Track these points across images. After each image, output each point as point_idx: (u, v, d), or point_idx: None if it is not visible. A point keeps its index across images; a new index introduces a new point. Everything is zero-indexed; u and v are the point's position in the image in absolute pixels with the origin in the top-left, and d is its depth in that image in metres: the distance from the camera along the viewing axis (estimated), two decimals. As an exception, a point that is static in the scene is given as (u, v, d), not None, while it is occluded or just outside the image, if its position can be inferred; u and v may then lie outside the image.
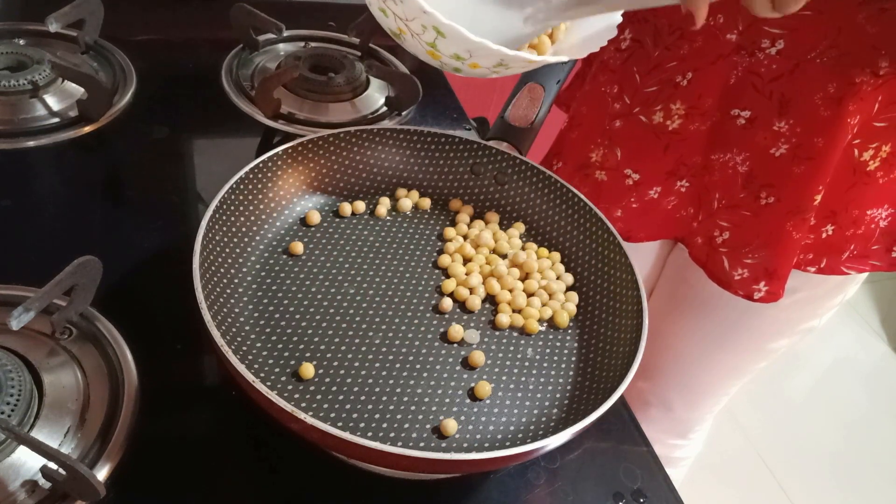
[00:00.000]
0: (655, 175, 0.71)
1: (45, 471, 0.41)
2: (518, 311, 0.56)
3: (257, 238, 0.57)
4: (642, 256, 0.83)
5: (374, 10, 0.51)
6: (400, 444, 0.46)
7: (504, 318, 0.55)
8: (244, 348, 0.49)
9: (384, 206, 0.63)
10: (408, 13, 0.47)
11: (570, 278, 0.60)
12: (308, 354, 0.50)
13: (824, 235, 0.68)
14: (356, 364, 0.50)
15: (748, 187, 0.67)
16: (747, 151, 0.66)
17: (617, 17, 0.53)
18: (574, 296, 0.59)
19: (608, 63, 0.73)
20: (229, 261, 0.54)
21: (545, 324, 0.57)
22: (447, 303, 0.56)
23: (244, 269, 0.55)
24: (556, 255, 0.62)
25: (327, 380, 0.49)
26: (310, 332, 0.52)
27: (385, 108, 0.81)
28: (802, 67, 0.60)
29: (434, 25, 0.46)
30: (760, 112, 0.63)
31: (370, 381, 0.49)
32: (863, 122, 0.61)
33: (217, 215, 0.52)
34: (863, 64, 0.58)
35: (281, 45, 0.87)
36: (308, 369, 0.48)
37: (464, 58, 0.49)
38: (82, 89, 0.70)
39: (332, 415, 0.47)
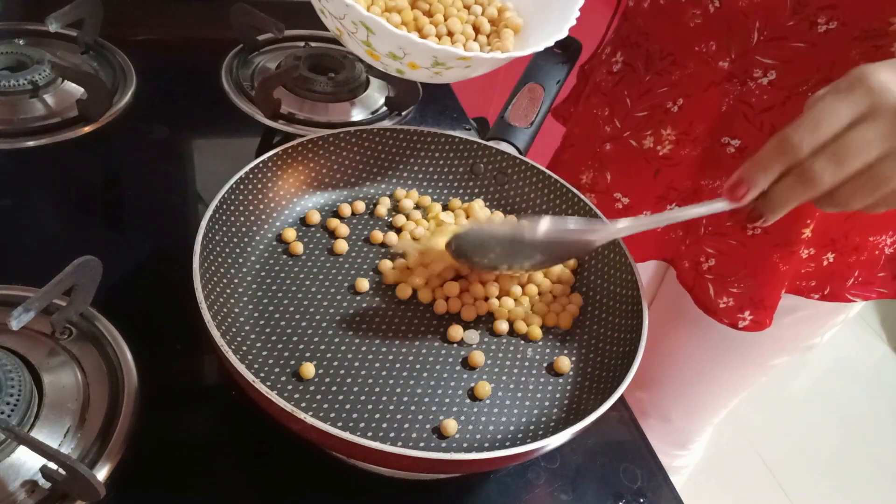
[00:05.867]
0: (645, 199, 0.71)
1: (45, 471, 0.41)
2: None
3: (257, 238, 0.57)
4: (642, 269, 0.83)
5: (318, 12, 0.51)
6: (400, 444, 0.46)
7: (503, 325, 0.55)
8: (244, 348, 0.49)
9: (384, 206, 0.63)
10: (337, 11, 0.47)
11: (569, 276, 0.60)
12: (308, 354, 0.50)
13: (825, 263, 0.67)
14: (356, 364, 0.50)
15: (735, 217, 0.66)
16: None
17: (571, 21, 0.53)
18: (578, 297, 0.58)
19: (600, 85, 0.72)
20: (229, 261, 0.54)
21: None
22: (441, 305, 0.55)
23: (244, 269, 0.55)
24: None
25: (327, 380, 0.49)
26: (310, 332, 0.52)
27: (385, 108, 0.81)
28: (794, 100, 0.59)
29: (361, 21, 0.46)
30: (750, 142, 0.63)
31: (370, 381, 0.49)
32: None
33: (217, 215, 0.52)
34: None
35: (281, 45, 0.87)
36: (308, 369, 0.48)
37: (399, 56, 0.49)
38: (82, 89, 0.70)
39: (332, 415, 0.47)
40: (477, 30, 0.57)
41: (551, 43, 0.52)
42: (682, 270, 0.73)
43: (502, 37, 0.56)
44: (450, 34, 0.56)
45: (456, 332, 0.53)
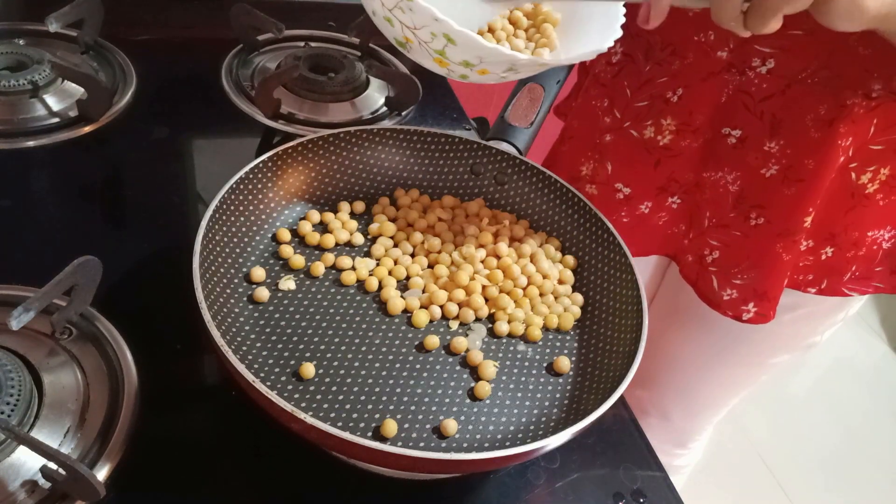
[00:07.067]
0: (646, 190, 0.71)
1: (45, 471, 0.41)
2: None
3: (257, 238, 0.57)
4: (642, 267, 0.83)
5: (378, 19, 0.50)
6: (400, 444, 0.46)
7: (503, 327, 0.55)
8: (244, 348, 0.49)
9: (384, 206, 0.63)
10: (417, 21, 0.47)
11: (569, 276, 0.60)
12: (308, 354, 0.50)
13: (823, 257, 0.67)
14: (356, 364, 0.50)
15: (738, 207, 0.66)
16: (738, 171, 0.65)
17: (620, 17, 0.53)
18: (579, 298, 0.58)
19: (599, 77, 0.72)
20: (229, 261, 0.54)
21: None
22: (437, 312, 0.55)
23: (244, 269, 0.55)
24: (556, 242, 0.62)
25: (327, 380, 0.49)
26: (310, 332, 0.52)
27: (385, 108, 0.81)
28: (794, 88, 0.59)
29: (445, 33, 0.46)
30: (751, 132, 0.63)
31: (370, 381, 0.49)
32: (859, 146, 0.61)
33: (217, 215, 0.52)
34: (855, 86, 0.57)
35: (281, 45, 0.87)
36: (308, 369, 0.48)
37: (473, 64, 0.49)
38: (82, 89, 0.70)
39: (332, 415, 0.47)
40: (514, 24, 0.57)
41: (611, 42, 0.51)
42: (685, 265, 0.73)
43: (545, 33, 0.56)
44: (491, 31, 0.55)
45: (459, 343, 0.52)
